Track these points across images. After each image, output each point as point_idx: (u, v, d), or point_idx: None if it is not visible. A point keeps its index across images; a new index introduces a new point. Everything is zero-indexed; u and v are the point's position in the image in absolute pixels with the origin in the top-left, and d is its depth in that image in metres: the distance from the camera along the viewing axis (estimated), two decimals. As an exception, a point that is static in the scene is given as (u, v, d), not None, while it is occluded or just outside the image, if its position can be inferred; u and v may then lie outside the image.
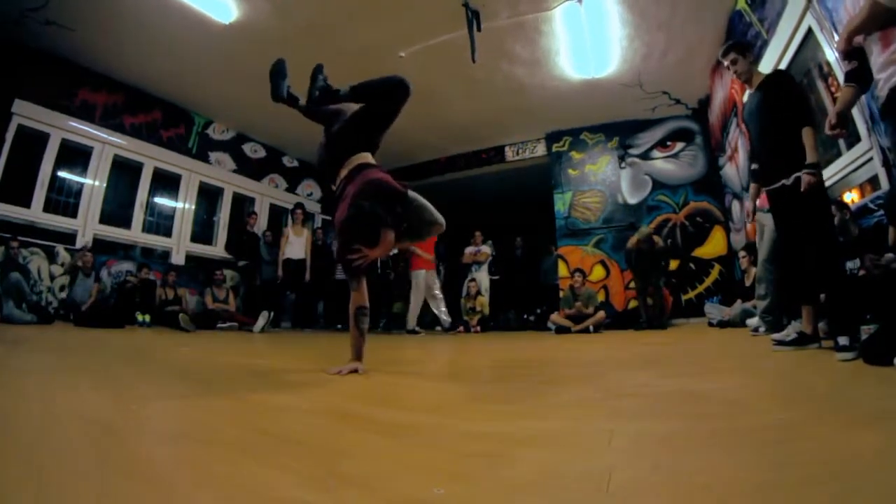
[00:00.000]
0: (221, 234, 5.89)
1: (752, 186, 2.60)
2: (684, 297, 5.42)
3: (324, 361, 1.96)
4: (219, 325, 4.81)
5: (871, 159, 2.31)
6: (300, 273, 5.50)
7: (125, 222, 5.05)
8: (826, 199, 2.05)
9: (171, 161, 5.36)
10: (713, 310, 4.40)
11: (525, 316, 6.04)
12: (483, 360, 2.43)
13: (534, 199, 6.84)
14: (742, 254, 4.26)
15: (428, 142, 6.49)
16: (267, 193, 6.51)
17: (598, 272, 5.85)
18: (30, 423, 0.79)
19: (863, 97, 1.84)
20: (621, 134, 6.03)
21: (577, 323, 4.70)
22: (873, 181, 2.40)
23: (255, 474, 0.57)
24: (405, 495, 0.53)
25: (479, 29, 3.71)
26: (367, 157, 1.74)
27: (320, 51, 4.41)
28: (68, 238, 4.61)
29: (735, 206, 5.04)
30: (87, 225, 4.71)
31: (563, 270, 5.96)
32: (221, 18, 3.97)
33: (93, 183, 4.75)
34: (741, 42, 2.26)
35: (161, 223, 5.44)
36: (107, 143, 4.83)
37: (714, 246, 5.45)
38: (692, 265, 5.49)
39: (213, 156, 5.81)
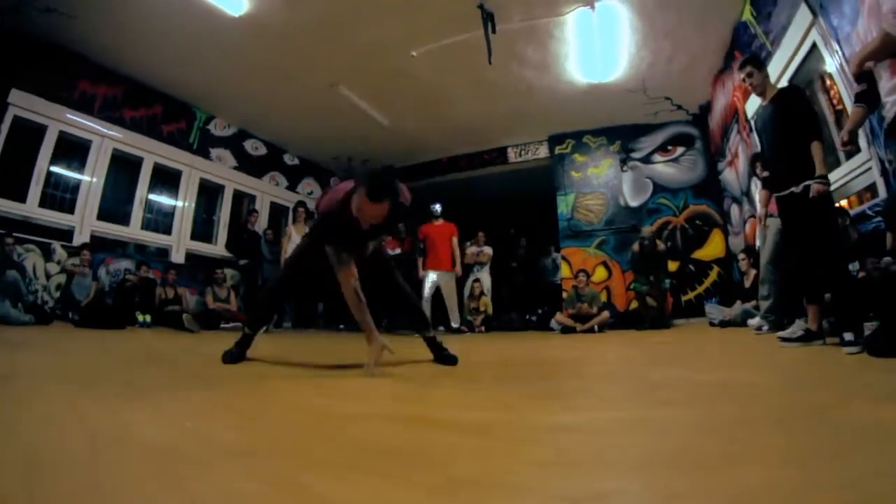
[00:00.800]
0: (222, 232, 5.90)
1: (763, 192, 2.83)
2: (684, 298, 5.69)
3: (347, 359, 2.06)
4: (222, 326, 4.83)
5: (869, 169, 2.56)
6: (303, 272, 5.55)
7: (124, 219, 5.02)
8: (832, 207, 2.28)
9: (172, 156, 5.35)
10: (713, 310, 4.65)
11: (527, 316, 6.23)
12: (507, 359, 2.51)
13: (535, 200, 7.04)
14: (742, 256, 4.51)
15: (431, 142, 6.63)
16: (268, 191, 6.54)
17: (600, 273, 6.08)
18: (78, 450, 0.68)
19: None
20: (623, 138, 6.28)
21: (582, 323, 4.90)
22: (871, 189, 2.64)
23: (387, 492, 0.54)
24: (553, 492, 0.53)
25: (493, 31, 3.87)
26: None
27: (331, 47, 4.55)
28: (65, 234, 4.57)
29: (734, 209, 5.33)
30: (85, 221, 4.68)
31: (566, 271, 6.18)
32: (232, 10, 3.95)
33: (91, 178, 4.72)
34: (757, 57, 2.48)
35: (161, 220, 5.42)
36: (106, 137, 4.81)
37: (713, 248, 5.74)
38: (692, 267, 5.77)
39: (214, 152, 5.82)
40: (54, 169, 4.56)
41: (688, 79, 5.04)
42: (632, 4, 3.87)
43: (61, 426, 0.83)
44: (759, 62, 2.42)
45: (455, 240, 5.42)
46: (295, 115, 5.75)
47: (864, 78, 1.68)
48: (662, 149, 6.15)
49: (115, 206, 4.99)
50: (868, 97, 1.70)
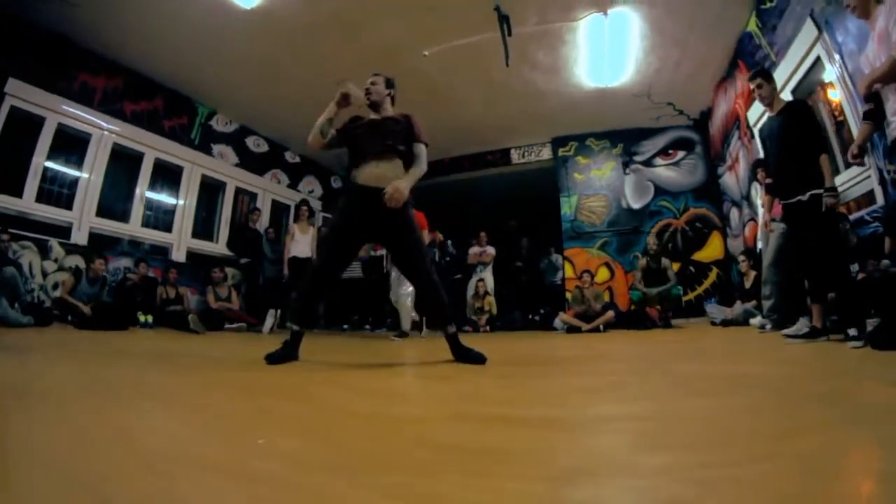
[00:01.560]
0: (223, 230, 5.93)
1: (767, 198, 3.07)
2: (684, 299, 5.97)
3: (369, 358, 2.11)
4: (227, 326, 4.86)
5: (868, 177, 2.83)
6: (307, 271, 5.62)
7: (123, 216, 5.02)
8: (836, 214, 2.52)
9: (174, 152, 5.36)
10: (714, 310, 4.92)
11: (530, 316, 6.43)
12: (528, 357, 2.57)
13: (538, 201, 7.25)
14: (742, 258, 4.79)
15: (435, 142, 6.63)
16: (269, 189, 6.59)
17: (602, 274, 6.33)
18: (141, 475, 0.58)
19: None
20: (626, 141, 6.56)
21: (586, 322, 5.11)
22: (869, 195, 2.91)
23: (514, 489, 0.55)
24: (672, 471, 0.59)
25: (509, 33, 4.04)
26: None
27: (343, 44, 4.63)
28: (62, 231, 4.54)
29: (733, 213, 5.63)
30: (83, 217, 4.66)
31: (569, 272, 6.41)
32: (244, 2, 3.97)
33: (90, 173, 4.70)
34: (767, 70, 2.72)
35: (161, 217, 5.42)
36: (106, 131, 4.79)
37: (712, 250, 6.05)
38: (692, 268, 6.07)
39: (216, 148, 5.84)
40: (52, 163, 4.52)
41: (691, 85, 5.32)
42: (644, 12, 4.10)
43: (103, 447, 0.71)
44: (768, 75, 2.65)
45: (424, 233, 4.69)
46: (299, 112, 5.76)
47: (872, 98, 1.91)
48: (664, 152, 6.44)
49: (114, 202, 4.97)
50: (875, 115, 1.94)
